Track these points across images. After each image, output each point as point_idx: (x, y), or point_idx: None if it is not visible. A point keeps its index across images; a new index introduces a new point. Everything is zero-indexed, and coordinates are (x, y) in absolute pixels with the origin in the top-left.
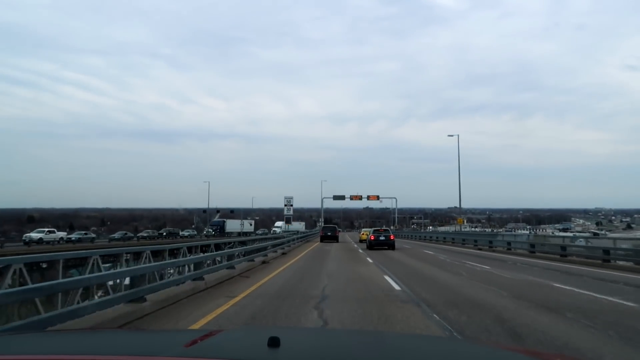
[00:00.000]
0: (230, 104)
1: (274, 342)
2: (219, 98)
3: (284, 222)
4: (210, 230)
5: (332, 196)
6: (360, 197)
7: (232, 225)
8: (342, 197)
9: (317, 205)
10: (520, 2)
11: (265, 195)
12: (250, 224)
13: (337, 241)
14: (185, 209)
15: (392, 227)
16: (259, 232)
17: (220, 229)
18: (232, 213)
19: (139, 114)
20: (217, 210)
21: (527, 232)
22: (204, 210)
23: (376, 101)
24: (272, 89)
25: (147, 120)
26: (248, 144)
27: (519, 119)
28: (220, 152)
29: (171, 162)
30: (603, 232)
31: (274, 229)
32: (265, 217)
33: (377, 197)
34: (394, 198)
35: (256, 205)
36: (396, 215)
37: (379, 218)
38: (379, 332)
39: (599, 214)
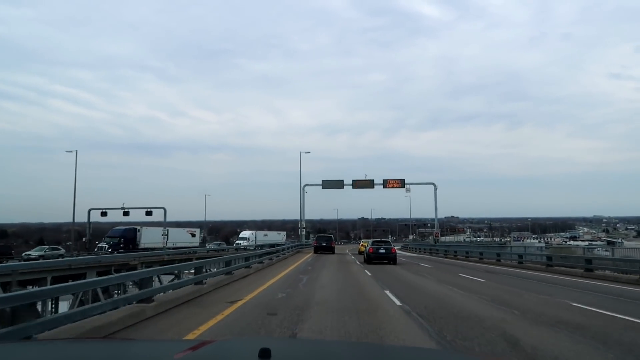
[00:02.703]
0: (220, 116)
1: (264, 354)
2: (209, 110)
3: (252, 232)
4: (103, 244)
5: (320, 182)
6: (370, 183)
7: (151, 235)
8: (340, 184)
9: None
10: (505, 13)
11: (258, 207)
12: (193, 235)
13: (333, 252)
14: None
15: (432, 236)
16: (212, 245)
17: (127, 242)
18: (149, 215)
19: (130, 127)
20: (103, 213)
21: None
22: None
23: (367, 112)
24: (262, 100)
25: (138, 133)
26: (240, 156)
27: (509, 129)
28: (212, 165)
29: (163, 175)
30: (619, 240)
31: (237, 241)
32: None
33: (401, 182)
34: (432, 184)
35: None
36: (436, 218)
37: (375, 229)
38: (373, 343)
39: (602, 221)
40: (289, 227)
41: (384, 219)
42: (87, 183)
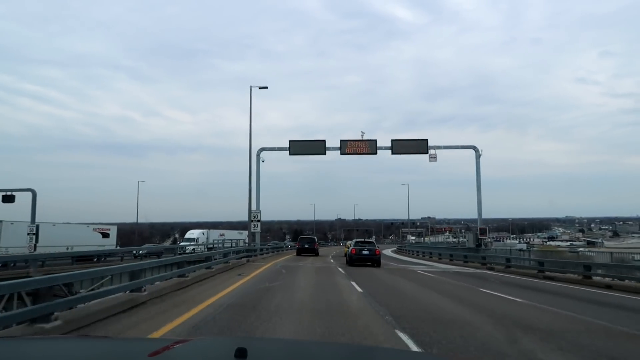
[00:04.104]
0: (196, 117)
1: (241, 353)
2: (184, 110)
3: (202, 232)
4: None
5: (286, 144)
6: (369, 146)
7: (15, 234)
8: (320, 147)
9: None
10: (477, 17)
11: (234, 208)
12: (106, 234)
13: (317, 255)
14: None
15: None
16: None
17: None
18: (9, 202)
19: (102, 127)
20: None
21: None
22: None
23: (343, 113)
24: (238, 101)
25: (111, 133)
26: (216, 157)
27: (483, 131)
28: (188, 165)
29: (137, 176)
30: (600, 240)
31: (183, 243)
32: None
33: (420, 146)
34: (473, 147)
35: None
36: (480, 203)
37: (356, 228)
38: (350, 344)
39: (575, 222)
40: (263, 227)
41: (362, 219)
42: (63, 184)
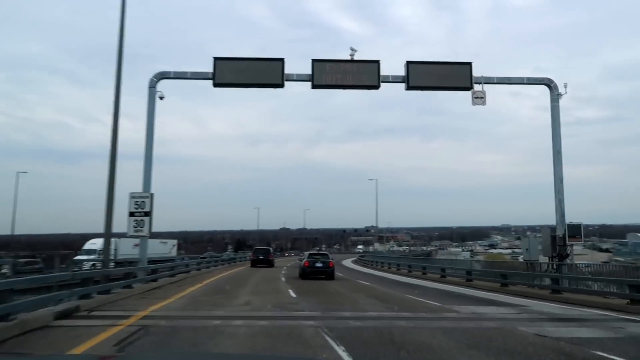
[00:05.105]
0: (137, 124)
1: None
2: (125, 117)
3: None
4: None
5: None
6: (365, 80)
7: None
8: (275, 73)
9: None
10: (421, 31)
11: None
12: None
13: (272, 266)
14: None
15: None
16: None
17: None
18: None
19: (35, 132)
20: None
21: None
22: None
23: (289, 123)
24: (181, 108)
25: (44, 139)
26: (157, 165)
27: (424, 142)
28: (128, 174)
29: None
30: (540, 248)
31: (79, 256)
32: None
33: (466, 79)
34: (547, 82)
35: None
36: (558, 172)
37: (299, 239)
38: (283, 356)
39: (510, 230)
40: (204, 237)
41: (306, 228)
42: None
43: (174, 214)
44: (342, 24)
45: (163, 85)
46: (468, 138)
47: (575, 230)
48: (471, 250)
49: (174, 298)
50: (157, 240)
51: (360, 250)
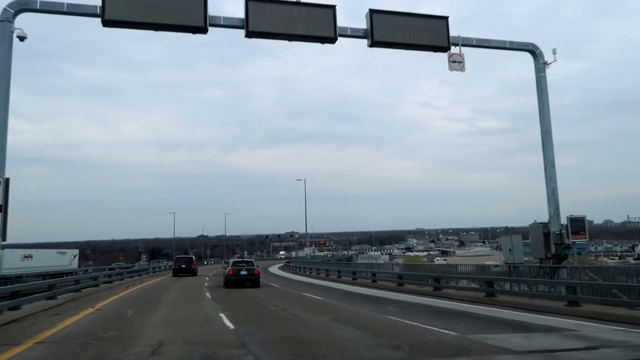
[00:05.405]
0: (37, 126)
1: None
2: (22, 118)
3: None
4: None
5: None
6: (313, 30)
7: None
8: (195, 13)
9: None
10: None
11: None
12: None
13: (196, 274)
14: None
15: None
16: None
17: None
18: None
19: None
20: None
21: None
22: None
23: (206, 128)
24: (89, 110)
25: None
26: (62, 171)
27: (341, 149)
28: (27, 180)
29: None
30: (452, 249)
31: None
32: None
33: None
34: (531, 48)
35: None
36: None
37: (216, 246)
38: None
39: (424, 233)
40: (115, 247)
41: (224, 235)
42: None
43: (81, 222)
44: None
45: (61, 83)
46: (383, 145)
47: (578, 226)
48: (390, 254)
49: (24, 347)
50: (55, 251)
51: (283, 256)
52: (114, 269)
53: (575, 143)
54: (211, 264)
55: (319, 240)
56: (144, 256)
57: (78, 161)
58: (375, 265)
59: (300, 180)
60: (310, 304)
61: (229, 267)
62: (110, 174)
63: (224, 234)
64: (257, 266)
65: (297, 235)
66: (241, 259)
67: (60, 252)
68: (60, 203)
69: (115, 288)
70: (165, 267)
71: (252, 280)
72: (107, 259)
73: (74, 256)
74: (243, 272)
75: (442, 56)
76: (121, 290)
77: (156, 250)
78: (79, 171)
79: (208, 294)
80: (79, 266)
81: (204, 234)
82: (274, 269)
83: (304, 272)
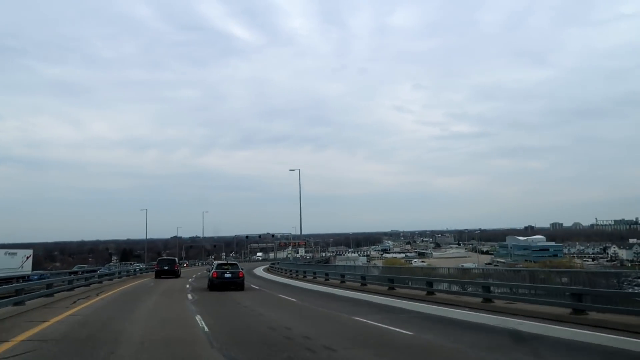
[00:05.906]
0: (2, 123)
1: None
2: None
3: None
4: None
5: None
6: None
7: None
8: None
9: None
10: (311, 43)
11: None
12: None
13: (178, 276)
14: None
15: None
16: None
17: None
18: None
19: None
20: None
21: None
22: None
23: (178, 128)
24: (57, 109)
25: None
26: (28, 170)
27: (316, 151)
28: None
29: None
30: (429, 251)
31: None
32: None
33: None
34: None
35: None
36: None
37: (191, 247)
38: None
39: (400, 235)
40: (84, 248)
41: (199, 237)
42: None
43: (49, 222)
44: (232, 30)
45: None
46: (358, 148)
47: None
48: (367, 255)
49: None
50: (2, 251)
51: (260, 258)
52: (76, 272)
53: (544, 148)
54: (184, 266)
55: (298, 241)
56: (114, 258)
57: (46, 160)
58: (359, 268)
59: (293, 170)
60: (312, 315)
61: (213, 270)
62: (80, 173)
63: (199, 235)
64: (242, 269)
65: (278, 235)
66: (226, 262)
67: (10, 253)
68: (26, 203)
69: (70, 298)
70: (136, 270)
71: (236, 283)
72: (77, 261)
73: (27, 257)
74: (227, 275)
75: (417, 60)
76: (78, 305)
77: (127, 252)
78: (47, 170)
79: (193, 307)
80: (36, 269)
81: (178, 235)
82: (259, 271)
83: (290, 274)
